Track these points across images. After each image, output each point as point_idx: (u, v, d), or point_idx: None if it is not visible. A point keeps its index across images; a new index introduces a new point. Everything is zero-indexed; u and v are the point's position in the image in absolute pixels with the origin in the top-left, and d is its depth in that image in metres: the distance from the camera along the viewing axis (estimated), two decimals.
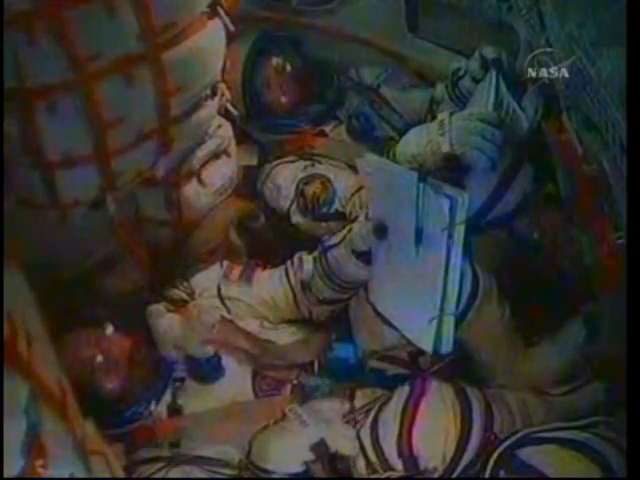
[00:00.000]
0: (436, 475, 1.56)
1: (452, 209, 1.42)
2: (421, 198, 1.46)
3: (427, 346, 1.55)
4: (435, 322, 1.51)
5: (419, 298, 1.52)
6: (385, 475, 1.60)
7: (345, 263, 1.67)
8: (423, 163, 1.71)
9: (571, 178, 1.68)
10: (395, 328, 1.64)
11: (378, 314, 1.68)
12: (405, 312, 1.59)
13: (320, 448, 1.51)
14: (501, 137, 1.61)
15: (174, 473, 1.58)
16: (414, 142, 1.73)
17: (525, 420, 1.61)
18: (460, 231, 1.44)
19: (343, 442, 1.55)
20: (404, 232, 1.51)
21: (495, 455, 1.46)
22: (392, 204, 1.55)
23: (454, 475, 1.56)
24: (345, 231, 1.70)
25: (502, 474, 1.43)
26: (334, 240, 1.72)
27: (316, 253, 1.77)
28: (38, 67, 1.37)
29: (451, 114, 1.69)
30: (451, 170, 1.70)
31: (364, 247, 1.63)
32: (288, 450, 1.53)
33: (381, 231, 1.56)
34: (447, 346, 1.54)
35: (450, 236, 1.44)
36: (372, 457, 1.60)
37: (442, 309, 1.50)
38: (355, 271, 1.67)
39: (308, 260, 1.79)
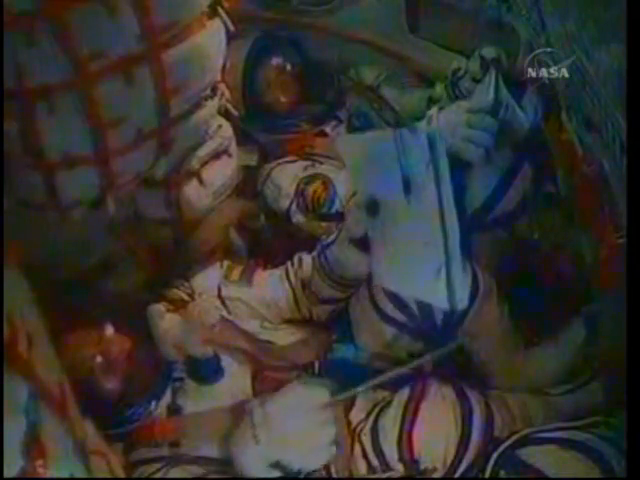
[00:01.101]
0: (436, 475, 1.56)
1: (430, 141, 1.42)
2: (400, 144, 1.45)
3: (442, 302, 1.48)
4: (443, 270, 1.46)
5: (422, 250, 1.48)
6: (385, 476, 1.60)
7: (344, 258, 1.66)
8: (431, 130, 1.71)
9: (571, 178, 1.68)
10: (406, 299, 1.61)
11: (381, 311, 1.67)
12: (412, 272, 1.52)
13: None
14: (493, 124, 1.60)
15: (174, 473, 1.58)
16: None
17: (525, 420, 1.62)
18: (445, 165, 1.43)
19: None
20: (393, 193, 1.49)
21: (495, 455, 1.46)
22: (377, 173, 1.53)
23: (454, 474, 1.56)
24: (340, 227, 1.70)
25: (502, 474, 1.43)
26: (331, 238, 1.72)
27: (315, 253, 1.77)
28: (38, 67, 1.37)
29: (440, 109, 1.69)
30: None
31: (360, 232, 1.59)
32: None
33: (373, 207, 1.53)
34: (462, 299, 1.48)
35: (436, 172, 1.43)
36: (373, 461, 1.60)
37: (447, 252, 1.46)
38: (355, 264, 1.65)
39: (307, 260, 1.79)
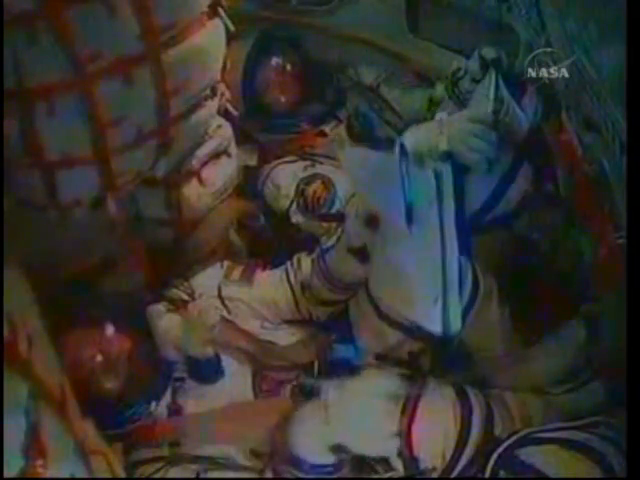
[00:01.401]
0: (435, 474, 1.56)
1: (438, 179, 1.42)
2: (405, 176, 1.45)
3: (436, 327, 1.49)
4: (440, 301, 1.47)
5: (420, 279, 1.49)
6: (387, 475, 1.60)
7: (342, 264, 1.67)
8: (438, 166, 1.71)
9: (571, 178, 1.68)
10: (400, 318, 1.62)
11: (381, 313, 1.67)
12: (409, 297, 1.54)
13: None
14: (497, 138, 1.61)
15: (174, 472, 1.58)
16: (412, 140, 1.73)
17: (525, 420, 1.61)
18: (450, 202, 1.43)
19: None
20: (394, 216, 1.49)
21: (495, 455, 1.46)
22: (379, 191, 1.54)
23: (453, 473, 1.56)
24: (339, 232, 1.70)
25: (502, 474, 1.43)
26: (330, 242, 1.72)
27: (314, 255, 1.77)
28: (38, 67, 1.37)
29: (449, 114, 1.69)
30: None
31: (359, 243, 1.62)
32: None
33: (373, 222, 1.55)
34: (456, 325, 1.49)
35: (440, 210, 1.44)
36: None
37: (444, 286, 1.47)
38: (353, 271, 1.67)
39: (307, 262, 1.79)
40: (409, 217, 1.47)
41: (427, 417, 1.60)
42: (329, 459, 1.51)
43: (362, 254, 1.63)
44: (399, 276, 1.55)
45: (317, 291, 1.76)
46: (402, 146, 1.50)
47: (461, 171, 1.70)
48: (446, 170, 1.41)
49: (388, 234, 1.55)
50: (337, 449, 1.47)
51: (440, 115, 1.70)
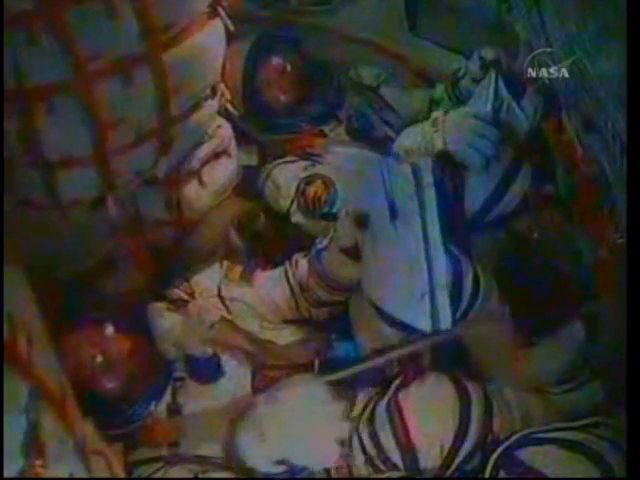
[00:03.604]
0: (432, 463, 1.56)
1: (415, 172, 1.42)
2: (386, 172, 1.46)
3: (425, 325, 1.49)
4: (427, 297, 1.47)
5: (407, 276, 1.49)
6: (386, 475, 1.60)
7: (336, 264, 1.67)
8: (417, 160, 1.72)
9: (571, 178, 1.68)
10: (392, 317, 1.62)
11: (379, 311, 1.67)
12: (397, 294, 1.54)
13: None
14: (496, 134, 1.61)
15: (173, 472, 1.58)
16: (408, 139, 1.74)
17: (525, 420, 1.62)
18: (430, 195, 1.43)
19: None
20: (381, 213, 1.50)
21: (495, 455, 1.46)
22: (365, 190, 1.53)
23: (452, 467, 1.56)
24: (331, 232, 1.70)
25: (502, 474, 1.44)
26: (323, 243, 1.71)
27: (309, 256, 1.77)
28: (38, 67, 1.37)
29: (445, 112, 1.69)
30: (446, 167, 1.71)
31: (350, 242, 1.60)
32: None
33: (362, 220, 1.54)
34: (445, 321, 1.48)
35: (421, 203, 1.44)
36: (371, 451, 1.61)
37: (431, 281, 1.47)
38: (347, 271, 1.66)
39: (303, 263, 1.79)
40: (392, 213, 1.47)
41: (425, 409, 1.61)
42: (280, 469, 1.50)
43: (354, 254, 1.62)
44: (388, 274, 1.54)
45: (315, 292, 1.76)
46: (384, 149, 1.50)
47: (458, 169, 1.72)
48: (425, 162, 1.41)
49: (376, 232, 1.54)
50: (282, 462, 1.47)
51: (436, 113, 1.71)
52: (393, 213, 1.46)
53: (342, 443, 1.53)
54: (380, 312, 1.64)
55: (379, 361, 1.57)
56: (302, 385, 1.58)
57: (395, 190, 1.45)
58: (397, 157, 1.45)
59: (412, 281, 1.47)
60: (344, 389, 1.69)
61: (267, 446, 1.47)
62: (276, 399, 1.53)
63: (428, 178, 1.42)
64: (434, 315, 1.47)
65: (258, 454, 1.49)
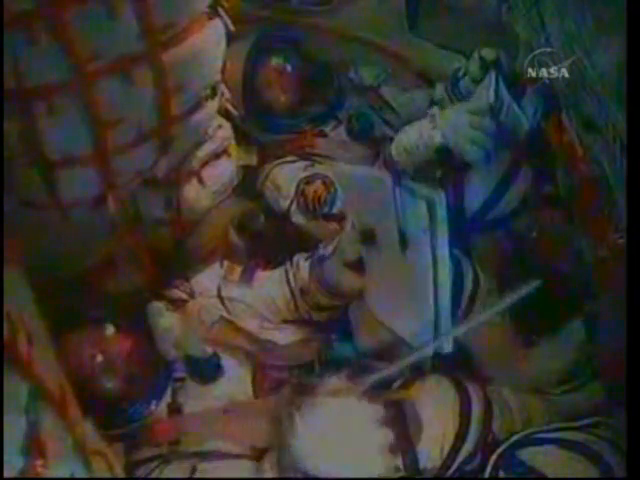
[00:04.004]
0: (432, 463, 1.56)
1: (430, 209, 1.42)
2: (398, 203, 1.45)
3: (426, 349, 1.52)
4: (431, 323, 1.49)
5: (412, 301, 1.51)
6: (387, 475, 1.60)
7: (339, 275, 1.66)
8: (416, 158, 1.72)
9: (571, 178, 1.68)
10: (394, 332, 1.62)
11: (381, 324, 1.67)
12: (401, 316, 1.57)
13: None
14: (493, 127, 1.61)
15: (170, 468, 1.58)
16: (407, 137, 1.74)
17: (525, 420, 1.62)
18: (443, 230, 1.44)
19: None
20: (389, 235, 1.50)
21: (495, 456, 1.46)
22: (373, 209, 1.54)
23: (452, 467, 1.56)
24: (335, 242, 1.70)
25: (502, 474, 1.44)
26: (327, 251, 1.71)
27: (311, 261, 1.77)
28: (38, 67, 1.37)
29: (442, 108, 1.69)
30: (445, 164, 1.71)
31: (355, 256, 1.61)
32: None
33: (368, 236, 1.55)
34: (447, 346, 1.51)
35: (433, 236, 1.44)
36: None
37: (436, 310, 1.48)
38: (350, 282, 1.66)
39: (304, 267, 1.79)
40: (403, 242, 1.47)
41: (425, 408, 1.61)
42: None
43: (358, 267, 1.62)
44: (392, 295, 1.57)
45: (315, 297, 1.76)
46: (396, 173, 1.50)
47: (460, 171, 1.72)
48: (439, 197, 1.41)
49: (383, 252, 1.55)
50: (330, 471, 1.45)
51: (433, 110, 1.71)
52: (403, 241, 1.46)
53: (390, 449, 1.50)
54: (382, 324, 1.64)
55: (409, 360, 1.55)
56: (339, 394, 1.55)
57: (407, 222, 1.45)
58: (410, 190, 1.45)
59: (417, 305, 1.48)
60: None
61: (315, 459, 1.43)
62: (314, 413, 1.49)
63: (442, 214, 1.42)
64: (437, 341, 1.49)
65: (309, 465, 1.45)
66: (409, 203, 1.44)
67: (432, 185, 1.53)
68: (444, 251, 1.44)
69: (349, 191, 1.66)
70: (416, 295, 1.49)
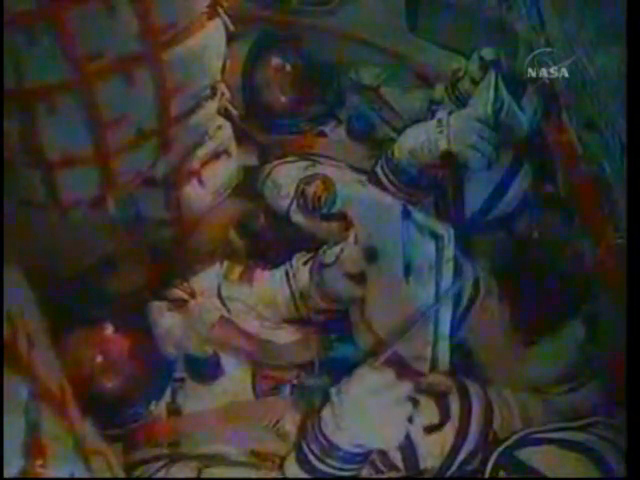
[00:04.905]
0: (432, 463, 1.56)
1: (438, 248, 1.43)
2: (406, 236, 1.46)
3: (424, 368, 1.56)
4: (430, 346, 1.52)
5: (412, 324, 1.52)
6: (386, 475, 1.60)
7: (339, 284, 1.67)
8: (420, 160, 1.72)
9: (571, 178, 1.69)
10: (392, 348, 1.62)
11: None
12: (399, 335, 1.57)
13: None
14: (497, 138, 1.62)
15: (174, 471, 1.58)
16: (412, 139, 1.74)
17: (524, 420, 1.62)
18: (449, 267, 1.44)
19: None
20: (393, 262, 1.51)
21: (494, 456, 1.46)
22: (379, 233, 1.55)
23: (452, 467, 1.56)
24: (337, 251, 1.69)
25: (502, 474, 1.43)
26: (328, 259, 1.71)
27: (311, 267, 1.77)
28: (38, 67, 1.37)
29: (450, 113, 1.70)
30: (448, 168, 1.71)
31: (355, 269, 1.62)
32: None
33: (371, 255, 1.56)
34: (444, 366, 1.55)
35: (438, 274, 1.44)
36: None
37: (436, 334, 1.51)
38: (349, 291, 1.67)
39: (304, 272, 1.79)
40: (407, 272, 1.48)
41: (427, 410, 1.61)
42: (359, 450, 1.45)
43: (359, 279, 1.63)
44: (392, 313, 1.57)
45: (315, 301, 1.76)
46: (405, 208, 1.50)
47: (461, 173, 1.72)
48: (448, 233, 1.42)
49: (385, 270, 1.55)
50: (359, 446, 1.44)
51: (441, 114, 1.71)
52: (407, 272, 1.48)
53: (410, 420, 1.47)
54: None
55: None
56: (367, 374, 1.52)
57: (413, 256, 1.46)
58: (419, 226, 1.45)
59: (417, 330, 1.49)
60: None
61: (344, 433, 1.42)
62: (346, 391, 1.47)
63: (449, 253, 1.42)
64: (434, 362, 1.53)
65: (339, 441, 1.44)
66: (417, 240, 1.45)
67: (439, 157, 1.52)
68: (447, 283, 1.46)
69: (357, 209, 1.66)
70: (416, 319, 1.50)
